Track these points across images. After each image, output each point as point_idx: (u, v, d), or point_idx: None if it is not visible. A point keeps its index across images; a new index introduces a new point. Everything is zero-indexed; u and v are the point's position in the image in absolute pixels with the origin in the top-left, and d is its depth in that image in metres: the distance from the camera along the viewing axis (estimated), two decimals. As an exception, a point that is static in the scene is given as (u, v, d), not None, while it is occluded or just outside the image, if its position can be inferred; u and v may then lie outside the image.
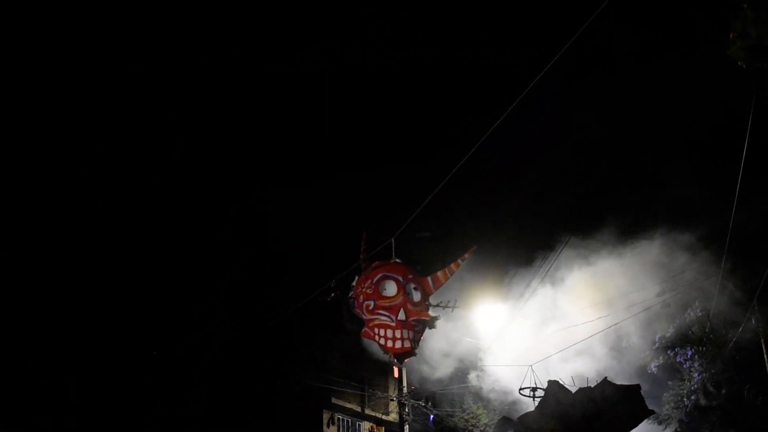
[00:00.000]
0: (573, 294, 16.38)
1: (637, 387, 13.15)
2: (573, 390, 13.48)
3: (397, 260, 11.70)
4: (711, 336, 18.17)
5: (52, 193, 21.33)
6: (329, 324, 24.02)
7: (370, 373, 26.50)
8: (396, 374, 22.72)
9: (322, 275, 13.50)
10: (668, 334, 20.82)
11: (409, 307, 10.80)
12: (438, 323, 12.65)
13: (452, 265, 11.16)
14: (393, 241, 12.06)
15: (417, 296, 10.98)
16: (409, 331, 10.73)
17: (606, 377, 13.44)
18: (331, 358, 25.18)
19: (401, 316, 10.76)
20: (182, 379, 21.61)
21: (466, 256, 11.25)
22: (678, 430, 25.84)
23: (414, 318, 10.74)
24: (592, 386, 13.20)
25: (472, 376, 21.39)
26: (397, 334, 10.71)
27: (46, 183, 21.33)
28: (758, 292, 15.49)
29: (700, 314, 19.38)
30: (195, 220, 23.84)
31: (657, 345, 21.10)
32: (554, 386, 13.47)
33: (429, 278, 11.23)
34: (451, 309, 12.16)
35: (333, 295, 11.66)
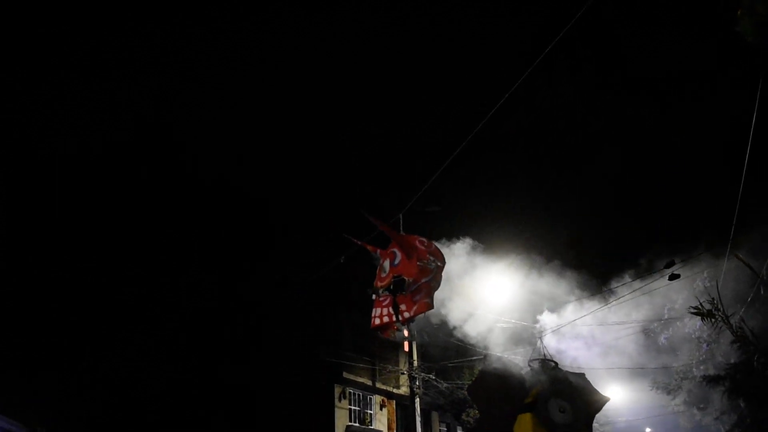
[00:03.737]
0: (581, 266, 16.45)
1: (581, 375, 13.37)
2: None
3: (402, 234, 11.64)
4: (720, 306, 18.19)
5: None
6: (340, 300, 24.27)
7: (381, 348, 26.70)
8: (406, 348, 22.83)
9: (333, 251, 13.61)
10: (677, 305, 20.90)
11: (378, 283, 10.80)
12: (444, 299, 12.68)
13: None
14: (401, 216, 12.10)
15: (387, 268, 10.86)
16: (375, 309, 10.74)
17: (544, 358, 13.61)
18: (342, 333, 25.39)
19: (374, 296, 10.84)
20: (196, 353, 21.86)
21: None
22: (687, 399, 26.02)
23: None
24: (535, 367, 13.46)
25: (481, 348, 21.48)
26: (372, 314, 10.81)
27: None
28: None
29: (708, 285, 19.42)
30: (204, 195, 24.01)
31: (666, 315, 21.19)
32: (490, 360, 13.76)
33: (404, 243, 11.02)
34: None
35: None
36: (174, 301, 21.82)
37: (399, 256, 10.79)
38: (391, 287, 10.55)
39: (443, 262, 11.11)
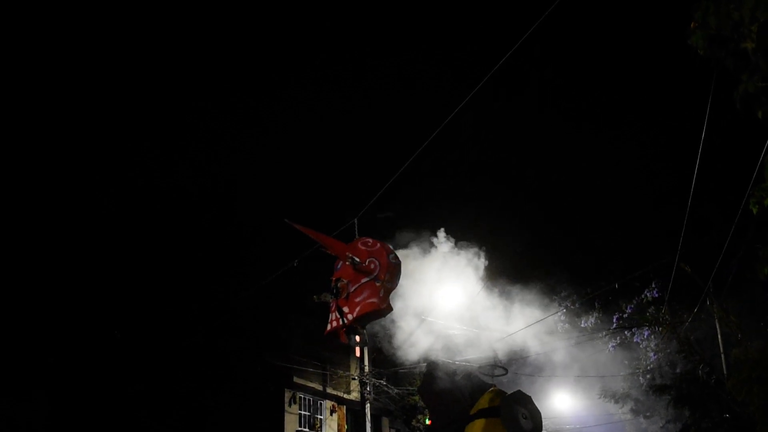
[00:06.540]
0: (534, 273, 16.59)
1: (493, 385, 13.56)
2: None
3: (357, 238, 11.54)
4: (667, 316, 18.53)
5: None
6: (293, 303, 24.11)
7: (333, 353, 26.58)
8: (358, 353, 22.77)
9: (286, 254, 13.50)
10: (626, 315, 21.26)
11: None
12: (399, 305, 12.64)
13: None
14: (356, 221, 12.01)
15: (333, 272, 10.90)
16: (330, 314, 10.72)
17: (495, 364, 13.70)
18: (293, 338, 25.21)
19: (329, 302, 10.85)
20: (143, 361, 21.50)
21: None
22: (634, 408, 26.41)
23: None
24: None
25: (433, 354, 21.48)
26: (328, 319, 10.79)
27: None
28: (713, 274, 15.85)
29: (656, 295, 19.80)
30: (159, 201, 23.69)
31: (615, 324, 21.54)
32: (432, 365, 13.82)
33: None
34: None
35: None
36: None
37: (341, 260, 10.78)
38: (334, 291, 10.47)
39: (392, 260, 10.75)
